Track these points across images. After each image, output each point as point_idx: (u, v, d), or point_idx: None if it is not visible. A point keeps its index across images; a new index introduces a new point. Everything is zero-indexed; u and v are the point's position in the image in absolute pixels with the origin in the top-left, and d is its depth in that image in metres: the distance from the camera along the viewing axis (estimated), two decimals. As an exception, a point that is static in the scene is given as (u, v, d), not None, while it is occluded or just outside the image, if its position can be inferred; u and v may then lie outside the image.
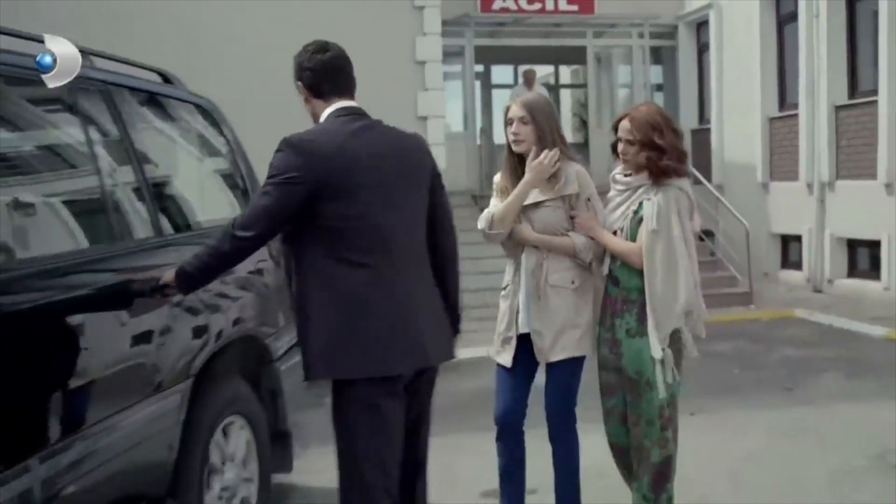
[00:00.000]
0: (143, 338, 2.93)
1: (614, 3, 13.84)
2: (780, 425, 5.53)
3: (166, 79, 3.87)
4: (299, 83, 2.82)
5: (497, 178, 3.60)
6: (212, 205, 3.97)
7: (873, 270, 10.56)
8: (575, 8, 14.03)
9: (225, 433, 3.38)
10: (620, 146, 3.41)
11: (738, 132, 12.96)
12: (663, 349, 3.29)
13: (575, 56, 15.43)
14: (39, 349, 2.47)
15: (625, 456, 3.51)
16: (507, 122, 3.47)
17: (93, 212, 3.00)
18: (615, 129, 3.46)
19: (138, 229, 3.16)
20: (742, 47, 12.76)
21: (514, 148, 3.47)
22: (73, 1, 7.99)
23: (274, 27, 8.60)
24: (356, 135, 2.70)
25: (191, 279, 2.76)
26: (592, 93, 14.92)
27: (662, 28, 14.64)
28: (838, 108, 10.97)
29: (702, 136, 13.89)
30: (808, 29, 11.28)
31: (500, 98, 17.80)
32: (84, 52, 3.11)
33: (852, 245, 11.01)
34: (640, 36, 14.49)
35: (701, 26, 14.34)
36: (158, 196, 3.42)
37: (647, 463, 3.40)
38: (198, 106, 3.99)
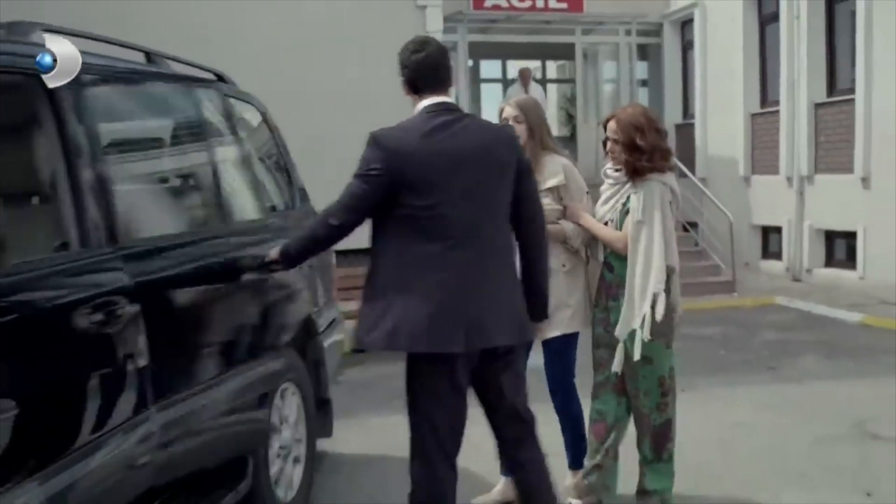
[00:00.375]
0: (258, 310, 3.54)
1: (602, 2, 14.26)
2: (764, 400, 6.00)
3: (221, 78, 4.25)
4: (402, 79, 3.14)
5: None
6: (274, 191, 4.44)
7: (849, 260, 11.08)
8: (564, 6, 14.43)
9: (282, 397, 3.80)
10: (609, 144, 3.85)
11: (722, 128, 13.43)
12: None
13: (563, 52, 15.86)
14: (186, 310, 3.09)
15: (605, 434, 3.89)
16: (502, 121, 3.91)
17: (222, 197, 3.64)
18: (604, 127, 3.91)
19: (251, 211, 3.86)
20: (725, 46, 13.22)
21: None
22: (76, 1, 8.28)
23: (279, 27, 8.89)
24: (438, 130, 2.97)
25: (292, 258, 3.24)
26: (580, 88, 15.34)
27: (648, 26, 15.09)
28: (818, 106, 11.46)
29: (686, 130, 14.36)
30: (788, 29, 11.77)
31: (487, 92, 18.26)
32: (154, 55, 3.55)
33: (830, 236, 11.52)
34: (627, 33, 14.93)
35: (685, 25, 14.80)
36: (258, 184, 3.97)
37: (649, 426, 3.84)
38: (251, 104, 4.41)
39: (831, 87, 11.49)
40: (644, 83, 16.02)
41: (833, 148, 11.21)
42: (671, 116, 14.48)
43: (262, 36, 8.94)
